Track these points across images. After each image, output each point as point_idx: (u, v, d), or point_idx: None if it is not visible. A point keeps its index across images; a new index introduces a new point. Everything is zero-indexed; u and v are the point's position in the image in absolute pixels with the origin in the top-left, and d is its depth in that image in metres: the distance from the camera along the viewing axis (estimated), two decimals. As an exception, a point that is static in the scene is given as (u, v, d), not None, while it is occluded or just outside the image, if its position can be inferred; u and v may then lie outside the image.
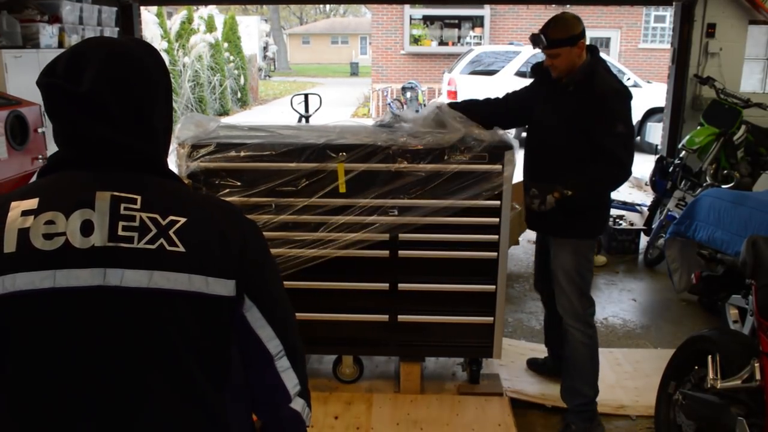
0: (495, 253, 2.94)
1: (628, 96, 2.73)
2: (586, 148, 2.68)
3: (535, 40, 2.79)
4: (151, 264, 0.99)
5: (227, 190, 2.85)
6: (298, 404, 1.17)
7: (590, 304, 2.91)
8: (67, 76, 1.04)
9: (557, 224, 2.81)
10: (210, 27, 15.82)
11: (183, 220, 1.03)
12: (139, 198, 1.02)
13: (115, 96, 1.04)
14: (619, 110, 2.68)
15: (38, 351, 0.97)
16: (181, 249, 1.01)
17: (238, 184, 2.86)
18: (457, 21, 17.31)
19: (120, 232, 0.99)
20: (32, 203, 1.00)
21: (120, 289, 0.98)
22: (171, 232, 1.01)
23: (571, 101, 2.72)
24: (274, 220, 2.87)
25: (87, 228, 0.99)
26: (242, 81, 17.77)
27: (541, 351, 3.51)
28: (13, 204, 1.01)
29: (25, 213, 0.99)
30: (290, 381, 1.15)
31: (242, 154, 2.85)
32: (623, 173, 2.71)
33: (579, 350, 2.85)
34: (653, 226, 5.28)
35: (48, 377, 0.97)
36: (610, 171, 2.70)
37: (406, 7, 16.72)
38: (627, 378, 3.39)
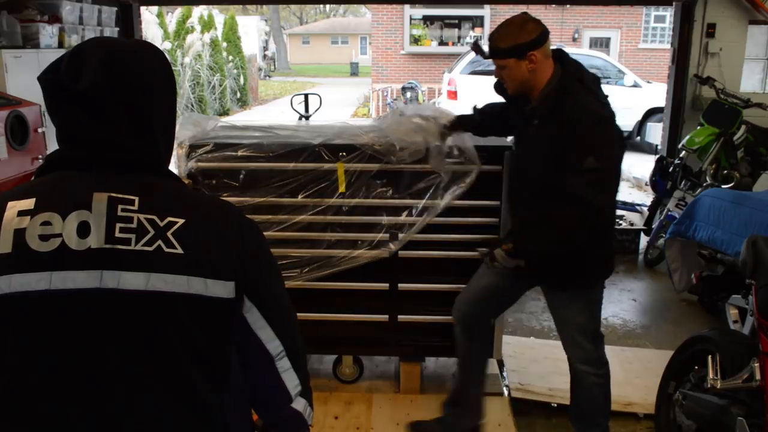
0: (495, 253, 2.94)
1: (605, 119, 2.20)
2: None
3: (475, 47, 2.36)
4: (148, 266, 0.98)
5: (228, 193, 2.86)
6: (299, 404, 1.16)
7: (602, 341, 2.59)
8: (67, 73, 1.03)
9: (559, 278, 2.41)
10: (207, 26, 15.80)
11: (181, 221, 1.02)
12: (136, 199, 1.01)
13: (113, 95, 1.03)
14: (592, 139, 2.13)
15: (34, 353, 0.96)
16: (179, 251, 1.00)
17: (236, 184, 2.86)
18: (457, 21, 17.31)
19: (117, 234, 0.98)
20: (29, 203, 0.99)
21: (117, 292, 0.97)
22: (169, 234, 1.00)
23: (541, 132, 2.28)
24: (273, 220, 2.87)
25: (83, 230, 0.98)
26: (242, 81, 17.78)
27: (543, 347, 3.51)
28: (10, 204, 1.00)
29: (22, 213, 0.98)
30: (291, 381, 1.15)
31: (240, 153, 2.85)
32: (590, 215, 2.17)
33: (593, 391, 2.59)
34: (653, 226, 5.28)
35: (43, 379, 0.96)
36: (572, 215, 2.17)
37: (406, 7, 16.72)
38: (636, 376, 3.39)
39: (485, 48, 2.40)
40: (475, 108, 2.72)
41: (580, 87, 2.23)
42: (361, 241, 2.89)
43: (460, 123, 2.72)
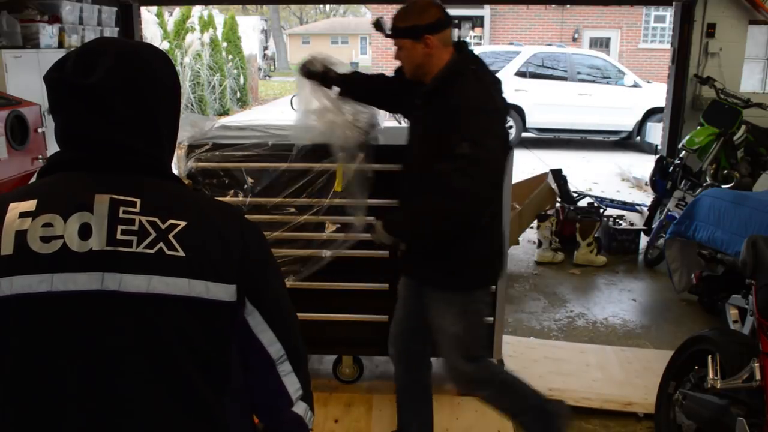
0: (495, 254, 2.93)
1: (489, 110, 2.13)
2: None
3: (377, 23, 2.38)
4: (149, 269, 0.98)
5: (227, 193, 2.85)
6: (300, 408, 1.16)
7: (481, 361, 2.40)
8: (75, 70, 1.03)
9: (433, 273, 2.30)
10: (207, 26, 15.78)
11: (183, 223, 1.02)
12: (138, 201, 1.01)
13: (122, 94, 1.03)
14: (470, 126, 2.05)
15: (34, 355, 0.96)
16: (181, 253, 1.00)
17: (236, 184, 2.86)
18: (457, 21, 17.31)
19: (119, 236, 0.98)
20: (30, 205, 0.99)
21: (118, 294, 0.96)
22: (170, 236, 1.00)
23: (425, 115, 2.24)
24: (272, 220, 2.87)
25: (85, 231, 0.98)
26: (242, 81, 17.76)
27: (543, 347, 3.51)
28: (12, 205, 1.00)
29: (23, 215, 0.98)
30: (292, 385, 1.14)
31: (239, 154, 2.84)
32: (457, 205, 2.07)
33: (493, 402, 2.48)
34: (653, 226, 5.28)
35: (43, 381, 0.96)
36: (438, 202, 2.09)
37: (406, 7, 16.71)
38: (636, 376, 3.39)
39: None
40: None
41: (472, 76, 2.17)
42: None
43: (327, 75, 2.58)
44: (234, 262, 1.05)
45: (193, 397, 1.02)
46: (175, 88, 1.14)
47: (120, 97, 1.03)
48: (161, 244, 0.99)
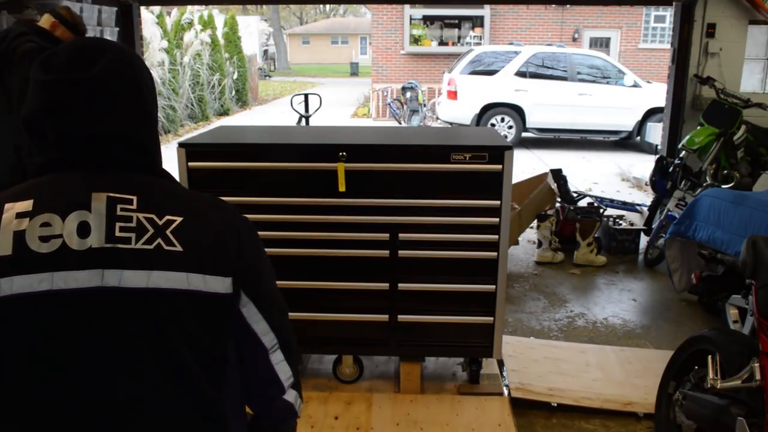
0: (495, 253, 2.94)
1: None
2: None
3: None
4: (149, 264, 0.99)
5: (227, 193, 2.86)
6: (291, 395, 1.19)
7: None
8: (74, 65, 1.03)
9: None
10: (207, 26, 15.76)
11: (179, 219, 1.03)
12: (134, 198, 1.03)
13: (125, 83, 1.06)
14: None
15: (37, 353, 0.97)
16: (179, 248, 1.01)
17: (236, 184, 2.87)
18: (457, 21, 17.33)
19: (117, 233, 0.99)
20: (27, 205, 1.00)
21: (119, 290, 0.98)
22: (168, 232, 1.02)
23: None
24: (272, 220, 2.87)
25: (84, 230, 0.99)
26: (240, 80, 17.74)
27: (543, 347, 3.51)
28: (7, 206, 1.00)
29: (20, 215, 0.99)
30: (284, 373, 1.17)
31: (239, 153, 2.84)
32: None
33: None
34: (653, 226, 5.28)
35: (46, 379, 0.97)
36: None
37: (406, 7, 16.73)
38: (636, 376, 3.39)
39: None
40: None
41: None
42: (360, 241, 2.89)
43: None
44: (229, 255, 1.07)
45: (193, 390, 1.03)
46: (153, 84, 1.17)
47: (124, 86, 1.06)
48: (159, 240, 1.01)
